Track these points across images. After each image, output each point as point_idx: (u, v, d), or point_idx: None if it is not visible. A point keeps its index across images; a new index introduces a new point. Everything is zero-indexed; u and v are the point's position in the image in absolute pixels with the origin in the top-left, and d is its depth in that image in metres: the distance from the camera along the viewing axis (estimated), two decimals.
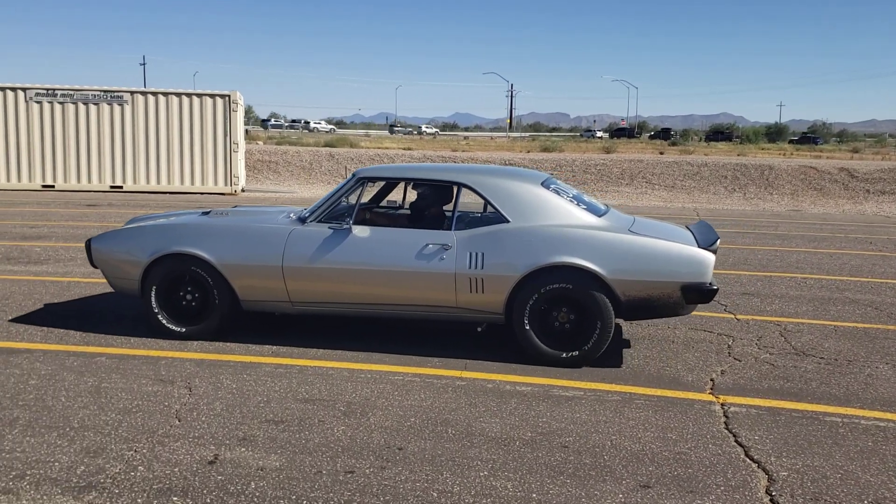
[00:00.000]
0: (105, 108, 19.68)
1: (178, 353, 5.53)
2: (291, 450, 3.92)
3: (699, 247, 5.44)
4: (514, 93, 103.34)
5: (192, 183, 20.15)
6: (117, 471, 3.64)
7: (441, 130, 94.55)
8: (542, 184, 5.82)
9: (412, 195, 6.59)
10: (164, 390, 4.77)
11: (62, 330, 6.07)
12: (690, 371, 5.40)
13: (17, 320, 6.37)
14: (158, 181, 20.07)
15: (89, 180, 19.85)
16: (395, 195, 7.12)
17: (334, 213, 5.91)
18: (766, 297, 8.06)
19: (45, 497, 3.38)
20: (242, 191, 21.04)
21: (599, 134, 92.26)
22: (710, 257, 5.37)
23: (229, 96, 20.10)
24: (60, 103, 19.55)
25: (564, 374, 5.24)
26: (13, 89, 19.41)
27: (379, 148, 35.76)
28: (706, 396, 4.86)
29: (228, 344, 5.79)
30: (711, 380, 5.22)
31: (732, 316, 7.13)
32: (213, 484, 3.53)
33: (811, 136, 77.44)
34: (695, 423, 4.37)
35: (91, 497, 3.39)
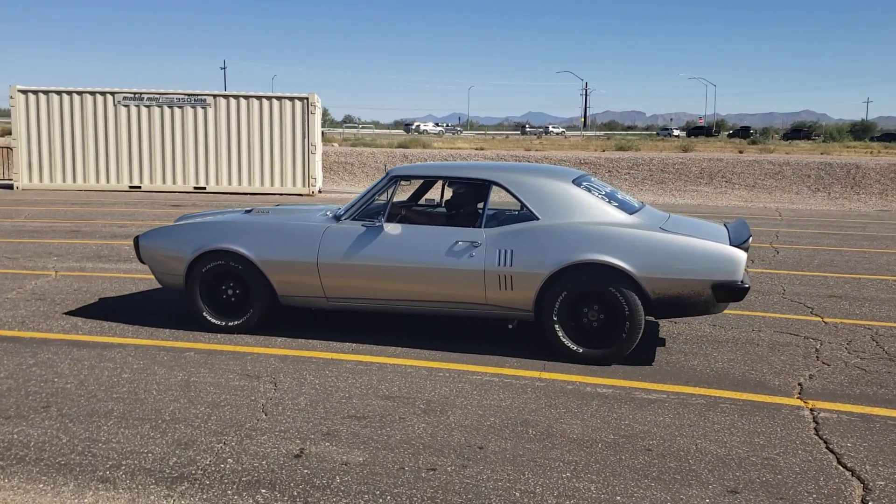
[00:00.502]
0: (189, 110, 20.29)
1: (262, 349, 5.66)
2: (374, 445, 3.97)
3: (731, 245, 5.35)
4: (588, 91, 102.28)
5: (272, 184, 20.60)
6: (207, 463, 3.75)
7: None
8: (573, 181, 5.82)
9: (448, 194, 6.66)
10: (251, 385, 4.89)
11: (151, 327, 6.27)
12: (777, 375, 5.25)
13: (108, 316, 6.61)
14: (240, 182, 20.58)
15: (174, 181, 20.49)
16: (434, 194, 7.19)
17: (368, 211, 6.04)
18: (855, 300, 7.78)
19: (139, 487, 3.51)
20: (319, 192, 21.38)
21: (676, 132, 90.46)
22: (741, 255, 5.28)
23: (307, 99, 20.46)
24: (147, 106, 20.24)
25: (647, 377, 5.17)
26: (103, 93, 20.19)
27: (451, 148, 35.85)
28: (794, 401, 4.72)
29: (311, 341, 5.89)
30: (799, 384, 5.06)
31: (819, 319, 6.90)
32: (299, 477, 3.60)
33: (895, 133, 73.89)
34: (783, 429, 4.25)
35: (183, 488, 3.50)
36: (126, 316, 6.62)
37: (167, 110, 20.28)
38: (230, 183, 20.59)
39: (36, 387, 4.80)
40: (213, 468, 3.69)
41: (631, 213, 5.68)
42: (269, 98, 20.50)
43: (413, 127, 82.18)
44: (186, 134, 20.38)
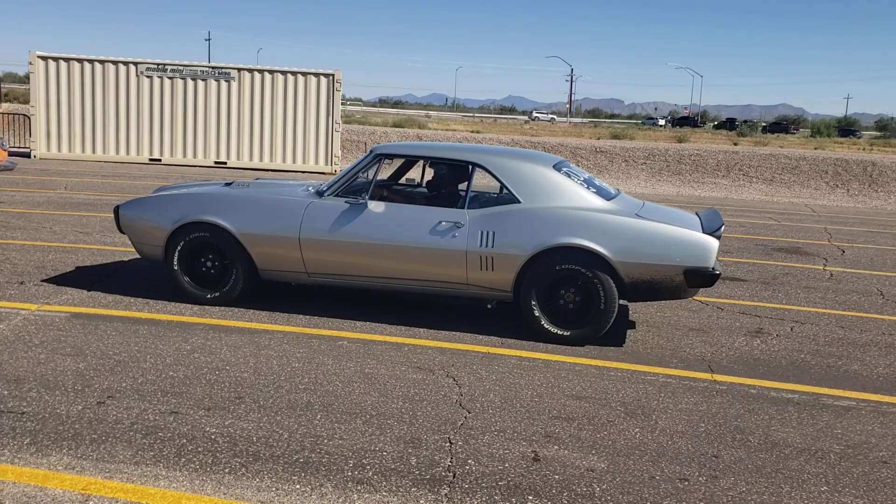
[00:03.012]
0: (213, 84, 19.85)
1: (412, 340, 5.52)
2: (605, 451, 3.86)
3: (704, 232, 5.53)
4: (574, 77, 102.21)
5: (294, 161, 20.25)
6: (450, 463, 3.63)
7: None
8: (553, 166, 5.96)
9: (430, 174, 6.67)
10: (430, 378, 4.76)
11: (285, 313, 6.07)
12: None
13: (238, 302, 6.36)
14: (261, 158, 20.21)
15: (195, 155, 20.07)
16: (414, 174, 7.25)
17: (351, 188, 6.09)
18: None
19: (400, 490, 3.37)
20: (340, 170, 21.09)
21: (661, 122, 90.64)
22: (713, 242, 5.48)
23: (333, 75, 20.12)
24: (170, 78, 19.77)
25: (819, 381, 5.11)
26: (125, 63, 19.68)
27: (447, 130, 35.56)
28: None
29: (456, 333, 5.76)
30: None
31: None
32: (556, 484, 3.49)
33: (850, 129, 73.48)
34: None
35: (445, 491, 3.37)
36: (249, 301, 6.38)
37: (190, 83, 19.83)
38: (251, 159, 20.22)
39: (213, 376, 4.63)
40: (460, 470, 3.57)
41: (608, 200, 5.82)
42: (294, 73, 20.11)
43: (531, 115, 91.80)
44: (209, 107, 19.94)
